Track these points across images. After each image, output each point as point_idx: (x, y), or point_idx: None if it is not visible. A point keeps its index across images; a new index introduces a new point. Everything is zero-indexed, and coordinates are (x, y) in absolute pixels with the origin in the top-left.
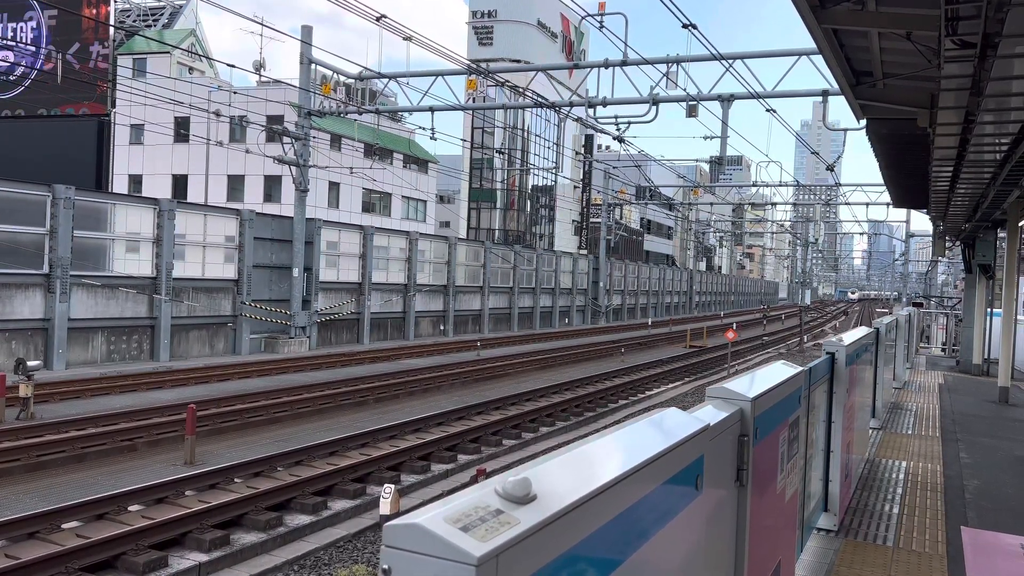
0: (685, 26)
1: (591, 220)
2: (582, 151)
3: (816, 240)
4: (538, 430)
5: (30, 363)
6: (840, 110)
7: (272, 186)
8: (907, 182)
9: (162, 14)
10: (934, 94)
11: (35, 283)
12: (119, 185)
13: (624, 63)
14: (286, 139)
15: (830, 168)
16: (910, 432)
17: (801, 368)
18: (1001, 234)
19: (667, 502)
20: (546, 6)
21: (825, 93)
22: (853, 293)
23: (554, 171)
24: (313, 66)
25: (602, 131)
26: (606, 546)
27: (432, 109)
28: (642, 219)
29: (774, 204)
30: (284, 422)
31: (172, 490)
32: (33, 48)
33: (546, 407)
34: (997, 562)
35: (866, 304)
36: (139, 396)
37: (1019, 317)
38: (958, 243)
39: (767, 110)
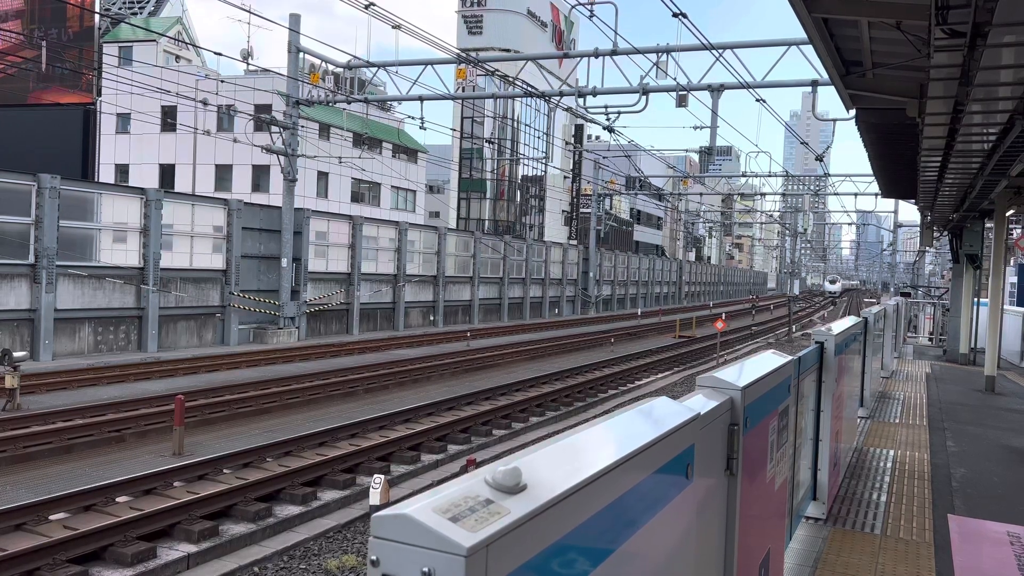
0: (675, 15)
1: (581, 210)
2: (572, 141)
3: (805, 230)
4: (528, 420)
5: (16, 354)
6: (830, 100)
7: (260, 176)
8: (896, 172)
9: (148, 1)
10: (923, 84)
11: (21, 273)
12: (105, 175)
13: (614, 52)
14: (274, 128)
15: (819, 158)
16: (897, 421)
17: (790, 357)
18: (988, 224)
19: (658, 491)
20: None
21: (815, 83)
22: (833, 283)
23: (544, 161)
24: (301, 55)
25: (592, 121)
26: (597, 535)
27: (421, 98)
28: (632, 209)
29: (763, 194)
30: (273, 413)
31: (160, 481)
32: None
33: (536, 397)
34: (983, 549)
35: (853, 296)
36: (127, 387)
37: (1005, 307)
38: (946, 233)
39: (757, 100)
